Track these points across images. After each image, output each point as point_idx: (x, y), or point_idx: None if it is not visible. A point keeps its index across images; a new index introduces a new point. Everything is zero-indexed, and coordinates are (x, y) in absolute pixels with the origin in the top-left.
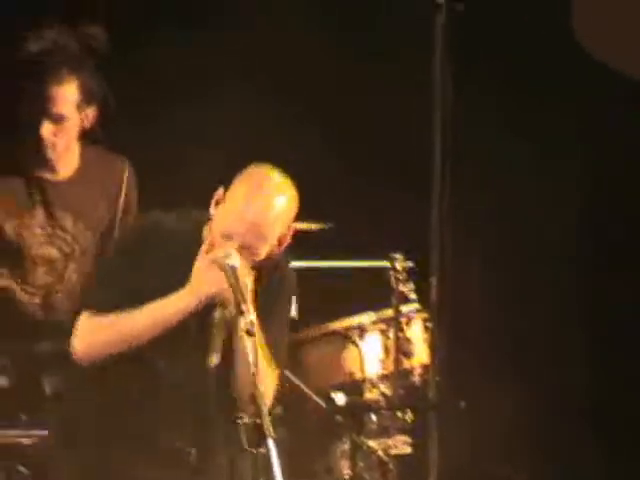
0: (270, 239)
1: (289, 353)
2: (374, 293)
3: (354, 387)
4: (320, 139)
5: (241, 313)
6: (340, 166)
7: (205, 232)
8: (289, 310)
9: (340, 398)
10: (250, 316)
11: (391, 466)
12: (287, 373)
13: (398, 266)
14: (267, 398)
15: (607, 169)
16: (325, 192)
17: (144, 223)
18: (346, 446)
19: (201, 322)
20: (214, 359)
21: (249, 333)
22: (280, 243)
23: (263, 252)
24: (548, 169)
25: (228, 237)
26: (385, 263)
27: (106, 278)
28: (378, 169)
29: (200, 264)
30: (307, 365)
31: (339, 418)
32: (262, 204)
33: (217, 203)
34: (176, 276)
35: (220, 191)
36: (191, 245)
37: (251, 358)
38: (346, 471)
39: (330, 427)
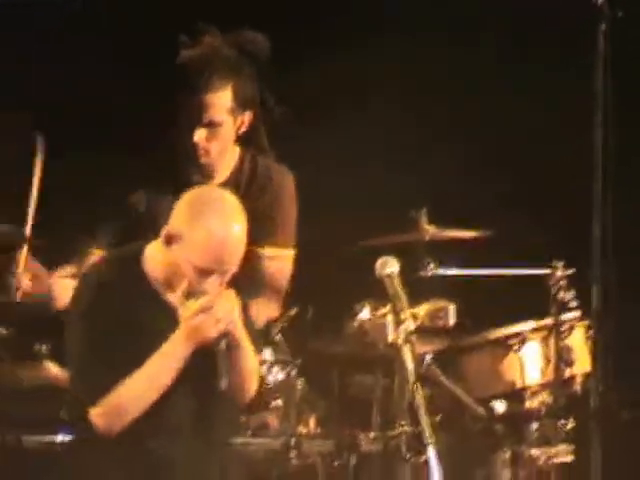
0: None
1: (449, 361)
2: (535, 301)
3: (514, 396)
4: (481, 148)
5: (401, 322)
6: (501, 171)
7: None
8: None
9: (500, 407)
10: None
11: (553, 475)
12: (446, 381)
13: (559, 273)
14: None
15: None
16: (487, 199)
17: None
18: (507, 455)
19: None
20: (223, 383)
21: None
22: None
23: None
24: None
25: (207, 272)
26: (546, 270)
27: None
28: (540, 173)
29: (186, 313)
30: (467, 373)
31: (499, 427)
32: (234, 227)
33: (169, 241)
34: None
35: (167, 229)
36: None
37: (410, 367)
38: None
39: (490, 436)
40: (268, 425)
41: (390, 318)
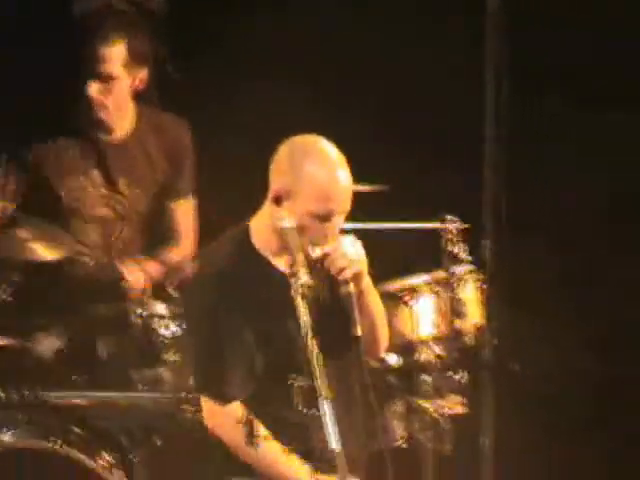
0: None
1: None
2: (427, 255)
3: (408, 348)
4: (372, 104)
5: (294, 275)
6: (393, 128)
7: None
8: None
9: (393, 359)
10: (303, 278)
11: (445, 426)
12: None
13: (451, 227)
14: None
15: None
16: (379, 155)
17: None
18: (399, 407)
19: None
20: (358, 329)
21: (303, 296)
22: None
23: None
24: (610, 129)
25: (327, 216)
26: (439, 224)
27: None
28: (431, 130)
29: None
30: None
31: (392, 379)
32: (339, 168)
33: (279, 201)
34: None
35: (273, 189)
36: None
37: (304, 320)
38: (400, 432)
39: (383, 388)
40: (162, 380)
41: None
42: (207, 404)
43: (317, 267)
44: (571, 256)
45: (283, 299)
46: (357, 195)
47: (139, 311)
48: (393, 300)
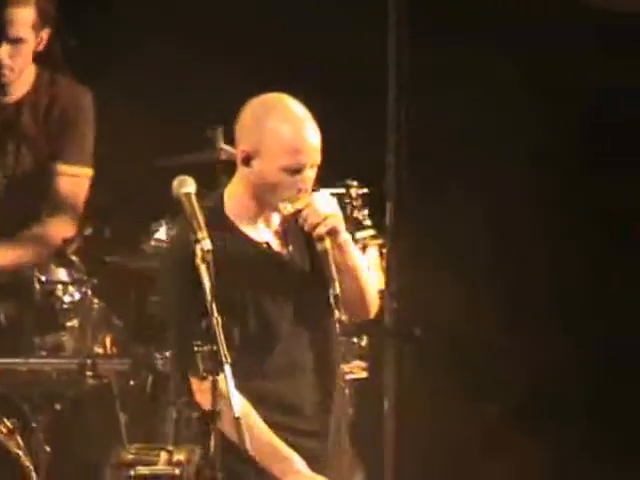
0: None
1: None
2: None
3: None
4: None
5: (197, 241)
6: (295, 88)
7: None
8: None
9: None
10: (203, 243)
11: (347, 391)
12: None
13: (353, 192)
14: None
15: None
16: None
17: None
18: None
19: None
20: (336, 287)
21: (204, 261)
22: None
23: None
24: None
25: (298, 169)
26: (340, 189)
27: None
28: (334, 92)
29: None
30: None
31: None
32: (305, 121)
33: (247, 161)
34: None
35: (240, 149)
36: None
37: (206, 284)
38: None
39: None
40: (63, 346)
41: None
42: (193, 383)
43: (291, 226)
44: (476, 219)
45: (252, 268)
46: None
47: (40, 277)
48: None
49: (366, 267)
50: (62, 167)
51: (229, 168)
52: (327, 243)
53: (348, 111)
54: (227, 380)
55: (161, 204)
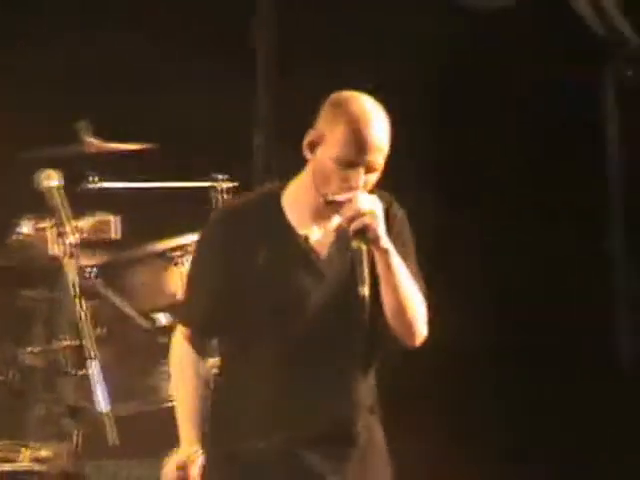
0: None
1: (113, 275)
2: (198, 214)
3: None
4: (147, 63)
5: (61, 235)
6: (166, 87)
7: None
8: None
9: (163, 319)
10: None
11: (212, 385)
12: (111, 294)
13: (221, 186)
14: None
15: None
16: (151, 113)
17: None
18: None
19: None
20: (364, 289)
21: (71, 255)
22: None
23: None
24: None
25: (351, 164)
26: (209, 184)
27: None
28: (202, 91)
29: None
30: (131, 286)
31: (162, 339)
32: (377, 121)
33: (312, 145)
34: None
35: (310, 134)
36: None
37: (72, 279)
38: (169, 392)
39: (153, 348)
40: None
41: (52, 231)
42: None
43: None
44: None
45: (285, 257)
46: (128, 154)
47: None
48: (163, 260)
49: (413, 286)
50: None
51: (97, 161)
52: (361, 243)
53: (219, 106)
54: (93, 375)
55: (26, 198)
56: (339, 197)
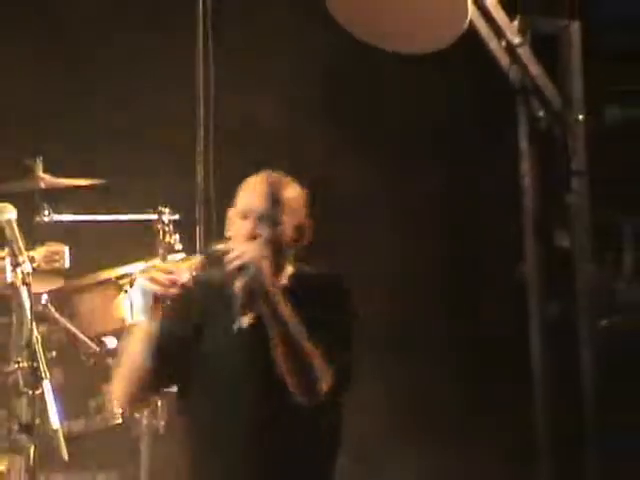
0: (287, 212)
1: (64, 301)
2: (144, 244)
3: (124, 332)
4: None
5: (17, 265)
6: (113, 125)
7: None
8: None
9: (111, 342)
10: (24, 266)
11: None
12: (62, 319)
13: (165, 219)
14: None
15: None
16: (103, 149)
17: None
18: None
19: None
20: (241, 322)
21: (24, 283)
22: (301, 235)
23: (288, 226)
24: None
25: (245, 213)
26: (154, 216)
27: None
28: (150, 130)
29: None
30: (81, 312)
31: (110, 360)
32: (274, 182)
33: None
34: None
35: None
36: None
37: (27, 306)
38: (117, 410)
39: (102, 369)
40: None
41: (8, 260)
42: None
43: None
44: None
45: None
46: (80, 189)
47: None
48: (112, 287)
49: (302, 343)
50: None
51: (50, 195)
52: (240, 281)
53: (164, 147)
54: (46, 395)
55: None
56: (222, 247)
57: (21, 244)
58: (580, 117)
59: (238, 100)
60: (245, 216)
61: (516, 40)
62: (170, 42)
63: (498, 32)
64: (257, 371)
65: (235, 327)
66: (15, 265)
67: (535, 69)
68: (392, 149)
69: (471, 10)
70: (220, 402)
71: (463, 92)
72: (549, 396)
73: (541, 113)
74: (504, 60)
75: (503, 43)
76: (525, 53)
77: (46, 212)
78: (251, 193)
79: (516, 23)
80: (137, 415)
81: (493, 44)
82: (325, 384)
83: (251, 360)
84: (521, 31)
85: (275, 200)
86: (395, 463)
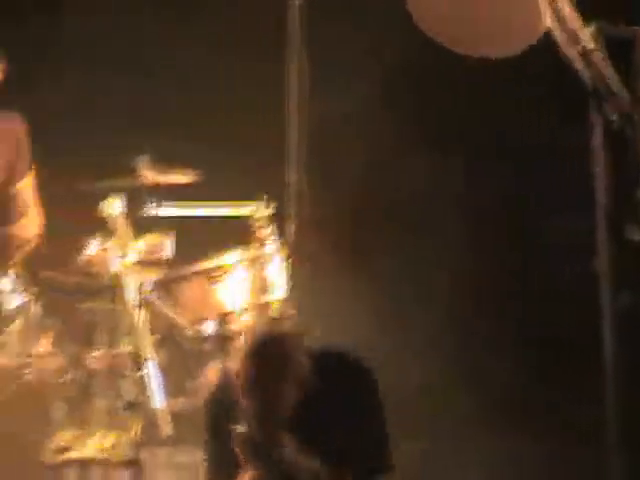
0: None
1: (166, 289)
2: (240, 236)
3: (222, 319)
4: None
5: (123, 256)
6: (203, 118)
7: None
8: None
9: (209, 328)
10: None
11: None
12: (164, 306)
13: (260, 213)
14: None
15: None
16: (202, 148)
17: None
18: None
19: None
20: None
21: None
22: None
23: None
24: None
25: None
26: (248, 210)
27: None
28: (238, 120)
29: None
30: (182, 299)
31: (208, 346)
32: None
33: None
34: None
35: None
36: None
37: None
38: None
39: (200, 353)
40: (6, 346)
41: (114, 252)
42: None
43: None
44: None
45: None
46: (181, 185)
47: None
48: (209, 276)
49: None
50: (18, 184)
51: (154, 190)
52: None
53: (253, 139)
54: (150, 373)
55: (93, 223)
56: None
57: (127, 236)
58: None
59: (327, 97)
60: None
61: (591, 45)
62: (262, 39)
63: (573, 38)
64: None
65: None
66: (120, 256)
67: (608, 73)
68: (466, 149)
69: (548, 15)
70: None
71: (535, 94)
72: (621, 390)
73: (614, 117)
74: (578, 64)
75: (578, 48)
76: (598, 58)
77: (151, 206)
78: None
79: (590, 29)
80: None
81: (567, 49)
82: None
83: None
84: (595, 36)
85: None
86: (475, 453)
